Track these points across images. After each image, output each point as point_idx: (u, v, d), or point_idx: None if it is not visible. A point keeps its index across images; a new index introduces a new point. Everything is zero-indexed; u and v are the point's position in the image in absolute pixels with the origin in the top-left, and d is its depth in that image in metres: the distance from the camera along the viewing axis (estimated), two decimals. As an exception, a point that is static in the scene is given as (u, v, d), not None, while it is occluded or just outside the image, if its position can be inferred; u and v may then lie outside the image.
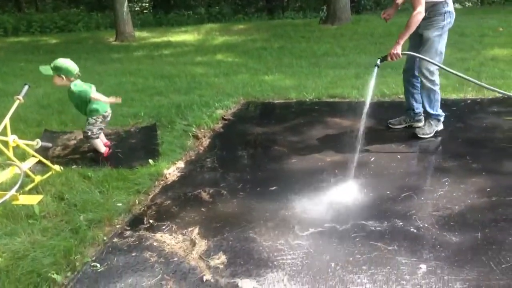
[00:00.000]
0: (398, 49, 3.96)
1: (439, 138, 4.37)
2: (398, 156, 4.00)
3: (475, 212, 3.01)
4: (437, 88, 4.26)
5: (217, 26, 14.56)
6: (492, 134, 4.39)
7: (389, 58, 4.02)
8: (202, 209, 3.25)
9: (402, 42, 3.97)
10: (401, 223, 2.91)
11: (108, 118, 4.31)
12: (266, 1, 21.54)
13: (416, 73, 4.37)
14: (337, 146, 4.29)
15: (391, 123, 4.71)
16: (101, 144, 4.31)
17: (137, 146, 4.52)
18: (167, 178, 3.81)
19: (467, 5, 18.26)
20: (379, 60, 4.01)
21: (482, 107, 5.24)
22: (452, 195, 3.24)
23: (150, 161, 4.01)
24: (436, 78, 4.23)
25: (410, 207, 3.10)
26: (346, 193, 3.38)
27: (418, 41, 4.21)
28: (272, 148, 4.37)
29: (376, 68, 3.97)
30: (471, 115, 4.97)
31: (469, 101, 5.40)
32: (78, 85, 4.09)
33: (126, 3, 12.32)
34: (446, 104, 5.25)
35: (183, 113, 5.24)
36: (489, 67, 6.82)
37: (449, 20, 4.11)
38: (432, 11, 4.09)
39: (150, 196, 3.49)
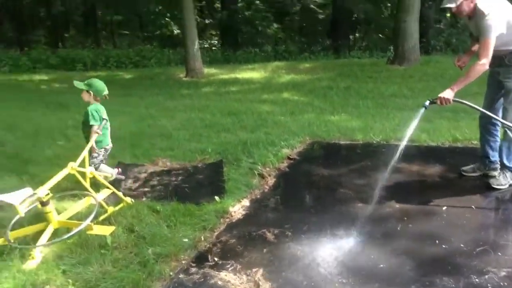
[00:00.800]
0: (450, 95, 3.81)
1: (517, 189, 4.15)
2: (473, 207, 3.82)
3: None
4: None
5: (283, 64, 14.79)
6: None
7: (438, 102, 3.86)
8: (267, 249, 3.24)
9: (456, 89, 3.82)
10: (477, 280, 2.76)
11: (109, 151, 4.48)
12: (332, 40, 21.70)
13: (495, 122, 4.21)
14: (406, 192, 4.17)
15: (465, 171, 4.52)
16: (108, 167, 4.46)
17: (203, 182, 4.61)
18: (232, 216, 3.84)
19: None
20: (428, 101, 3.87)
21: None
22: (532, 252, 3.05)
23: (216, 197, 4.07)
24: None
25: (486, 263, 2.93)
26: (416, 244, 3.26)
27: (497, 88, 4.07)
28: (337, 190, 4.32)
29: (424, 109, 3.87)
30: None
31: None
32: (94, 107, 4.26)
33: (196, 41, 12.82)
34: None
35: (249, 151, 5.31)
36: None
37: None
38: (511, 60, 3.94)
39: (216, 233, 3.52)
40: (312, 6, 22.58)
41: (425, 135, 5.76)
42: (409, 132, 3.90)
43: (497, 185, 4.14)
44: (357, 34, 24.79)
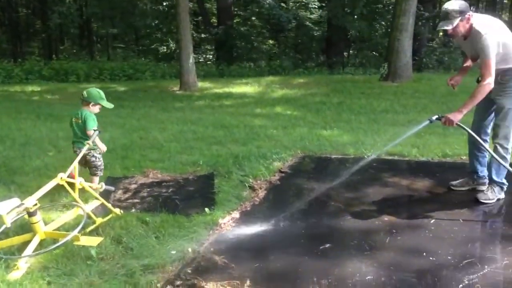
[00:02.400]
0: (457, 118, 3.88)
1: (503, 204, 4.17)
2: (460, 220, 3.83)
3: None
4: (508, 157, 4.10)
5: (277, 79, 14.88)
6: None
7: (442, 121, 3.94)
8: (255, 262, 3.23)
9: (465, 112, 3.88)
10: (463, 293, 2.76)
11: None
12: (326, 56, 21.89)
13: (485, 138, 4.26)
14: (395, 205, 4.19)
15: (454, 185, 4.55)
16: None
17: (194, 194, 4.60)
18: (221, 228, 3.83)
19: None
20: (435, 116, 3.95)
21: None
22: (519, 266, 3.06)
23: (206, 209, 4.06)
24: (511, 146, 4.08)
25: (473, 275, 2.94)
26: (404, 256, 3.26)
27: (488, 105, 4.10)
28: (328, 203, 4.32)
29: (428, 122, 3.95)
30: None
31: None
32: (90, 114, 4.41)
33: (191, 55, 12.89)
34: None
35: (241, 164, 5.31)
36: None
37: None
38: (505, 76, 3.98)
39: (204, 245, 3.50)
40: (307, 23, 22.80)
41: (415, 150, 5.79)
42: (403, 137, 4.13)
43: (485, 199, 4.16)
44: (351, 51, 25.01)
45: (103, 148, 4.47)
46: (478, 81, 3.99)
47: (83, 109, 4.41)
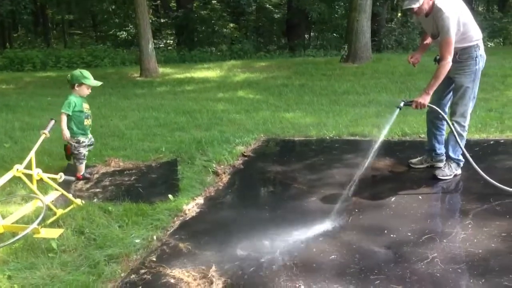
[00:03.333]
0: (426, 100, 3.97)
1: (462, 179, 4.30)
2: (420, 197, 3.94)
3: (499, 256, 2.93)
4: (465, 134, 4.22)
5: (239, 63, 14.80)
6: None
7: (413, 106, 4.00)
8: (220, 247, 3.23)
9: (431, 92, 3.97)
10: (423, 267, 2.85)
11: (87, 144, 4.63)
12: (287, 39, 21.89)
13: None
14: (357, 185, 4.24)
15: (412, 163, 4.66)
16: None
17: (157, 181, 4.56)
18: (186, 214, 3.81)
19: (489, 45, 18.23)
20: (402, 102, 4.01)
21: (506, 148, 5.17)
22: (475, 238, 3.17)
23: (170, 196, 4.04)
24: (467, 124, 4.19)
25: (432, 250, 3.03)
26: (366, 235, 3.33)
27: (447, 84, 4.16)
28: (291, 185, 4.36)
29: (398, 109, 4.00)
30: (494, 156, 4.89)
31: (492, 142, 5.33)
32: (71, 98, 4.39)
33: (151, 40, 12.64)
34: (468, 144, 5.19)
35: (204, 149, 5.29)
36: (511, 108, 6.76)
37: (481, 64, 4.08)
38: (464, 55, 4.05)
39: (169, 232, 3.49)
40: (267, 6, 22.69)
41: (376, 130, 5.88)
42: (384, 131, 4.16)
43: (443, 176, 4.28)
44: (312, 33, 25.08)
45: (65, 133, 4.37)
46: (436, 60, 4.08)
47: (69, 94, 4.42)
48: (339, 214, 3.66)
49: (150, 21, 14.62)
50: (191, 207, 3.95)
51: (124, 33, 23.19)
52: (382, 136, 4.11)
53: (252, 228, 3.50)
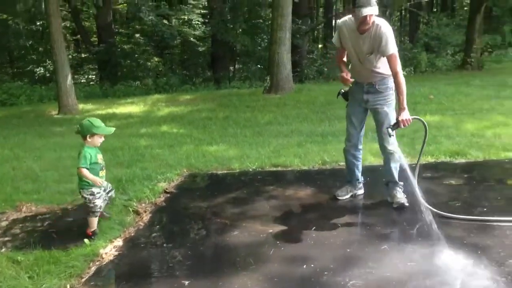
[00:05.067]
0: (407, 114, 3.90)
1: (377, 205, 4.44)
2: (339, 225, 4.02)
3: (414, 281, 3.03)
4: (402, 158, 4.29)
5: (164, 97, 14.68)
6: (427, 199, 4.48)
7: (402, 126, 3.92)
8: (139, 290, 3.11)
9: (406, 106, 3.92)
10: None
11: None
12: (213, 71, 22.07)
13: (360, 147, 4.48)
14: (279, 217, 4.28)
15: (339, 195, 4.61)
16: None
17: (73, 225, 4.33)
18: (103, 258, 3.64)
19: (403, 74, 19.37)
20: (390, 128, 3.95)
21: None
22: (391, 263, 3.27)
23: (86, 240, 3.84)
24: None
25: (351, 277, 3.09)
26: (288, 266, 3.34)
27: (362, 116, 4.26)
28: (214, 221, 4.31)
29: (390, 136, 3.98)
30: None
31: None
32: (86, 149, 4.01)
33: (69, 76, 12.29)
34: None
35: (124, 188, 5.13)
36: (422, 133, 7.11)
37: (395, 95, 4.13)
38: (382, 85, 4.10)
39: (83, 280, 3.31)
40: (192, 39, 22.84)
41: (298, 160, 6.00)
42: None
43: (404, 201, 4.24)
44: (237, 65, 25.47)
45: (98, 181, 3.96)
46: (339, 94, 4.27)
47: (82, 145, 4.02)
48: (261, 247, 3.65)
49: (71, 56, 14.27)
50: (109, 250, 3.78)
51: (41, 69, 22.36)
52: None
53: (172, 268, 3.40)
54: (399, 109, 3.94)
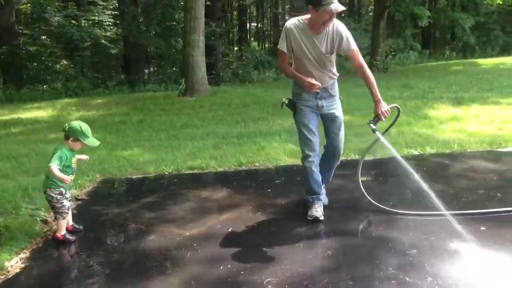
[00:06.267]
0: (384, 105, 3.80)
1: (292, 203, 4.57)
2: (255, 225, 4.08)
3: (325, 273, 3.16)
4: None
5: (75, 101, 14.09)
6: (338, 195, 4.69)
7: (383, 118, 3.81)
8: (48, 303, 2.97)
9: (380, 97, 3.82)
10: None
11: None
12: (126, 74, 21.48)
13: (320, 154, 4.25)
14: (196, 219, 4.27)
15: (318, 215, 4.05)
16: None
17: (-27, 237, 4.04)
18: (8, 272, 3.42)
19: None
20: (371, 123, 3.85)
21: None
22: (305, 258, 3.38)
23: (-13, 254, 3.60)
24: None
25: (266, 275, 3.15)
26: (205, 268, 3.34)
27: (316, 121, 4.05)
28: (129, 226, 4.21)
29: (375, 131, 3.87)
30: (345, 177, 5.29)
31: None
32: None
33: (-32, 80, 11.45)
34: (298, 170, 5.59)
35: (31, 196, 4.87)
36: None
37: None
38: (333, 89, 4.01)
39: (-14, 296, 3.11)
40: (103, 41, 22.09)
41: (214, 162, 6.02)
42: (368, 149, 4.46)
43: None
44: (151, 68, 25.00)
45: (65, 178, 3.74)
46: (283, 104, 4.04)
47: (61, 143, 3.85)
48: (177, 251, 3.62)
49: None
50: (15, 263, 3.56)
51: None
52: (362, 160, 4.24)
53: (86, 279, 3.28)
54: (375, 101, 3.81)
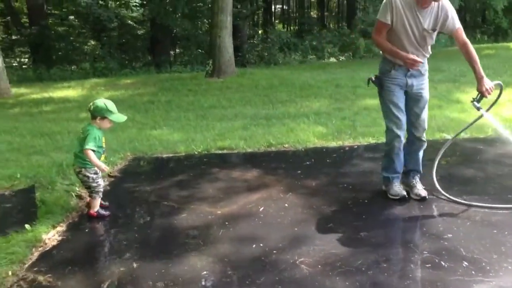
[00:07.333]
0: (490, 82, 3.67)
1: (323, 185, 4.55)
2: (286, 205, 4.09)
3: (359, 255, 3.15)
4: None
5: (103, 81, 14.23)
6: (369, 178, 4.66)
7: (487, 95, 3.68)
8: (84, 277, 3.03)
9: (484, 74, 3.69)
10: (291, 272, 2.96)
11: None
12: (153, 55, 21.58)
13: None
14: (227, 198, 4.30)
15: (400, 194, 4.05)
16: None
17: (12, 211, 4.16)
18: (46, 244, 3.52)
19: (341, 59, 19.84)
20: (476, 101, 3.75)
21: (359, 153, 5.61)
22: (338, 240, 3.38)
23: (27, 226, 3.69)
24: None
25: (299, 255, 3.16)
26: (237, 247, 3.37)
27: (402, 97, 3.92)
28: (161, 204, 4.26)
29: (480, 110, 3.78)
30: (350, 161, 5.28)
31: (347, 148, 5.75)
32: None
33: (1, 59, 11.63)
34: (327, 152, 5.57)
35: (65, 172, 4.96)
36: (362, 116, 7.37)
37: None
38: (424, 66, 3.89)
39: (26, 266, 3.19)
40: (130, 22, 22.19)
41: (243, 142, 6.03)
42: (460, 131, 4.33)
43: (419, 195, 4.03)
44: (177, 49, 25.06)
45: (102, 167, 3.84)
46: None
47: (89, 123, 3.85)
48: (210, 228, 3.66)
49: (0, 38, 13.45)
50: (52, 235, 3.65)
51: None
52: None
53: (120, 252, 3.35)
54: (479, 78, 3.68)
